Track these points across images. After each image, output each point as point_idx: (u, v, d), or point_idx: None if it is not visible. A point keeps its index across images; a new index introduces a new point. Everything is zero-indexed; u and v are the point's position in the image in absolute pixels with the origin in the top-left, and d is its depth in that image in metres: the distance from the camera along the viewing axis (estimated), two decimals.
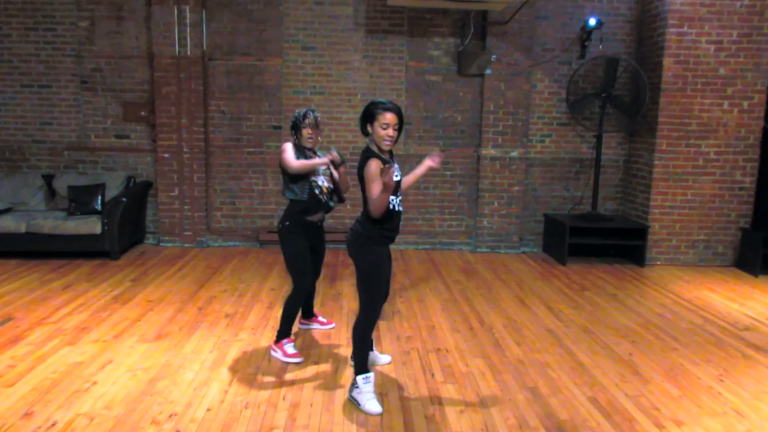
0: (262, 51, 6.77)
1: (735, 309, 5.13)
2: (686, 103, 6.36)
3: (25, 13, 6.66)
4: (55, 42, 6.73)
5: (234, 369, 3.68)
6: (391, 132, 3.12)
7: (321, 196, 3.80)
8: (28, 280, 5.43)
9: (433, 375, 3.67)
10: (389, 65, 6.86)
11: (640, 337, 4.40)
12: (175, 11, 6.54)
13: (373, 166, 3.06)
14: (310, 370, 3.70)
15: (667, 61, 6.30)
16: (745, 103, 6.35)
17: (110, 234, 6.12)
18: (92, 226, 6.06)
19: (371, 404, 3.21)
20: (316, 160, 3.74)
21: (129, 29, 6.73)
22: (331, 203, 3.89)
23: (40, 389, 3.34)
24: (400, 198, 3.24)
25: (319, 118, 3.86)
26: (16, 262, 5.98)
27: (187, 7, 6.54)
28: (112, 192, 6.51)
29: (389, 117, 3.11)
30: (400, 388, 3.48)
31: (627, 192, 7.12)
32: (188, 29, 6.58)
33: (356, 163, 3.21)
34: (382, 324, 4.48)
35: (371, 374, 3.30)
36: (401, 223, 3.39)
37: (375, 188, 3.04)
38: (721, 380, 3.71)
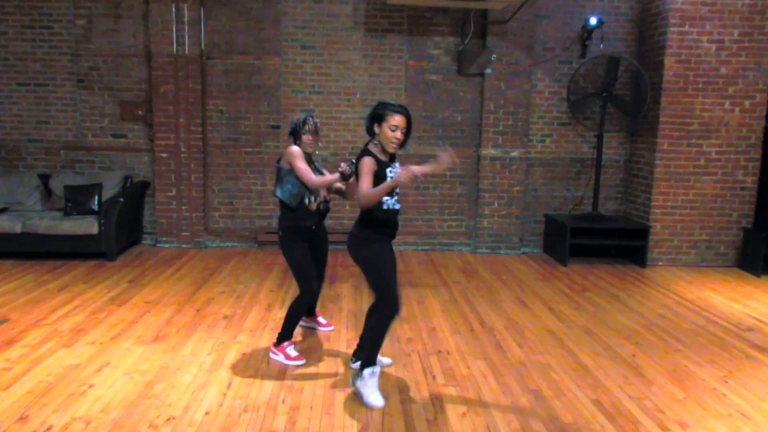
0: (260, 50, 6.72)
1: (738, 309, 5.10)
2: (687, 103, 6.33)
3: (22, 10, 6.60)
4: (52, 40, 6.67)
5: (233, 371, 3.63)
6: (399, 135, 3.14)
7: (310, 207, 3.80)
8: (24, 281, 5.38)
9: (434, 377, 3.63)
10: (389, 64, 6.82)
11: (643, 339, 4.36)
12: (173, 9, 6.48)
13: (368, 161, 3.12)
14: (310, 373, 3.66)
15: (668, 61, 6.27)
16: (747, 103, 6.32)
17: (107, 234, 6.07)
18: (89, 226, 6.01)
19: (374, 397, 3.23)
20: (331, 177, 3.70)
21: (126, 27, 6.68)
22: (321, 209, 3.88)
23: (36, 392, 3.29)
24: (396, 197, 3.26)
25: (318, 124, 3.87)
26: (12, 262, 5.92)
27: (185, 5, 6.49)
28: (109, 192, 6.45)
29: (399, 119, 3.12)
30: (401, 390, 3.44)
31: (628, 192, 7.09)
32: (186, 27, 6.53)
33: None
34: None
35: (378, 368, 3.33)
36: (400, 220, 3.39)
37: (365, 183, 3.08)
38: (726, 382, 3.67)
